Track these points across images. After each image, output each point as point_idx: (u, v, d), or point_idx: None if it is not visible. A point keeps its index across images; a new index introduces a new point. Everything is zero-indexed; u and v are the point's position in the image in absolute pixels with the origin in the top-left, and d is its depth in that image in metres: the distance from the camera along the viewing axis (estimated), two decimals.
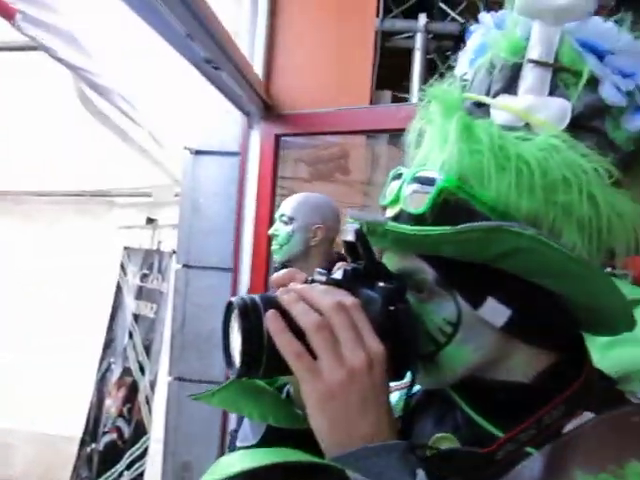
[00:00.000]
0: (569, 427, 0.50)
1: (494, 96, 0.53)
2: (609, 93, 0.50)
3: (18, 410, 3.44)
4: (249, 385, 0.59)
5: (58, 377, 3.31)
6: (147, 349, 2.58)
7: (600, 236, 0.48)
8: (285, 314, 0.46)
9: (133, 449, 2.50)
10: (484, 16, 0.56)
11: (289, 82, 2.25)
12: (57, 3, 1.76)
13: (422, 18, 2.47)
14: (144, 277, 2.77)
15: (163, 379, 2.35)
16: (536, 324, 0.51)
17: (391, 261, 0.54)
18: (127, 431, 2.57)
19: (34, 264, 3.50)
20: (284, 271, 0.59)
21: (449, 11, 2.71)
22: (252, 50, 2.28)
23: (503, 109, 0.51)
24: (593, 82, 0.50)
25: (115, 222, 3.14)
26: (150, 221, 2.91)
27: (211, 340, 2.15)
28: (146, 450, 2.46)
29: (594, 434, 0.48)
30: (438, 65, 2.71)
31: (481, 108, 0.53)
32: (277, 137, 2.19)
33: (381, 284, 0.49)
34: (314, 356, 0.45)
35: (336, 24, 2.22)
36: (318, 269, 0.54)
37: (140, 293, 2.76)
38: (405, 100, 2.45)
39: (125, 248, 2.97)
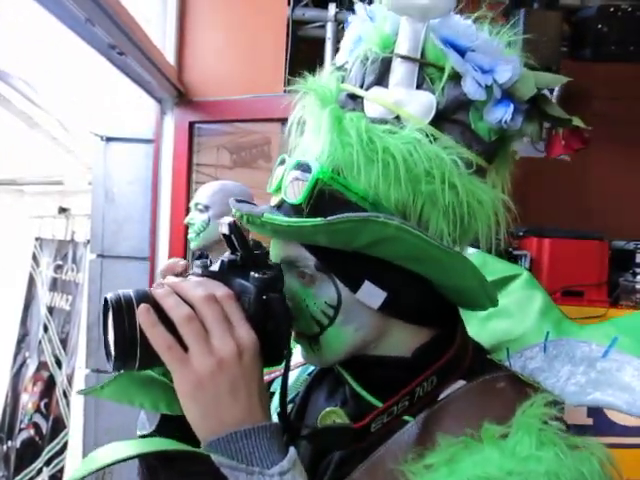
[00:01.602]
0: (443, 395, 0.55)
1: (367, 88, 0.56)
2: (470, 88, 0.53)
3: None
4: (139, 376, 0.60)
5: None
6: (63, 342, 2.51)
7: (463, 222, 0.52)
8: (158, 308, 0.48)
9: (52, 444, 2.45)
10: (359, 8, 0.59)
11: (202, 69, 2.24)
12: None
13: (332, 8, 2.51)
14: (58, 268, 2.67)
15: (81, 372, 2.31)
16: (411, 304, 0.55)
17: (276, 248, 0.57)
18: (45, 427, 2.50)
19: None
20: (167, 261, 0.61)
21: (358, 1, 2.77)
22: (163, 37, 2.24)
23: (375, 102, 0.55)
24: (456, 77, 0.54)
25: (26, 212, 3.00)
26: (63, 210, 2.80)
27: None
28: (65, 445, 2.41)
29: (462, 400, 0.53)
30: None
31: (356, 100, 0.56)
32: (191, 124, 2.18)
33: (255, 274, 0.51)
34: (185, 348, 0.46)
35: (248, 12, 2.22)
36: (197, 261, 0.56)
37: (54, 285, 2.67)
38: None
39: (37, 239, 2.85)
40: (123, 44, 1.70)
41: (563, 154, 0.57)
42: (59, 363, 2.51)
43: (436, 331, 0.58)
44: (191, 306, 0.48)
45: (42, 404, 2.53)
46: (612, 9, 2.95)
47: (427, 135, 0.52)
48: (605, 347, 0.55)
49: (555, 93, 3.32)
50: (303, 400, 0.65)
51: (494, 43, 0.56)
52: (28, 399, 2.62)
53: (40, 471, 2.44)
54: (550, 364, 0.57)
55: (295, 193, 0.53)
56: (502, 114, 0.54)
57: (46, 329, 2.62)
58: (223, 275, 0.52)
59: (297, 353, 0.69)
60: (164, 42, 2.24)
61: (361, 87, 0.56)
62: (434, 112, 0.53)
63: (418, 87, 0.54)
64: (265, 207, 0.57)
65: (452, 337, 0.57)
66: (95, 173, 2.24)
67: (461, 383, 0.55)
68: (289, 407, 0.64)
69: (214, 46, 2.25)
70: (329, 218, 0.49)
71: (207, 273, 0.53)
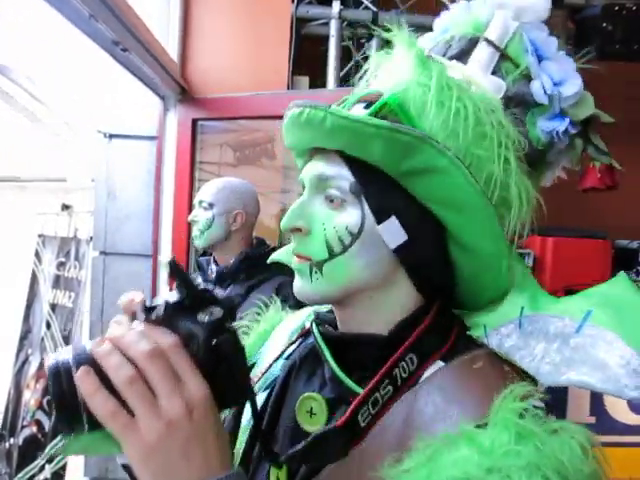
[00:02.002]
0: (425, 376, 0.54)
1: (450, 59, 0.61)
2: (537, 91, 0.58)
3: None
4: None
5: None
6: (66, 339, 2.51)
7: (498, 199, 0.53)
8: (100, 369, 0.44)
9: (55, 441, 2.45)
10: (454, 6, 0.66)
11: (205, 66, 2.23)
12: None
13: (336, 5, 2.51)
14: (60, 265, 2.67)
15: None
16: (424, 258, 0.56)
17: (313, 166, 0.57)
18: (47, 424, 2.50)
19: None
20: (126, 295, 0.57)
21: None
22: (167, 33, 2.24)
23: (454, 69, 0.58)
24: (527, 77, 0.59)
25: (29, 209, 3.00)
26: (65, 207, 2.80)
27: None
28: None
29: (440, 383, 0.53)
30: (353, 52, 2.77)
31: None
32: (194, 121, 2.17)
33: (203, 317, 0.48)
34: (131, 412, 0.43)
35: (252, 9, 2.22)
36: (142, 304, 0.50)
37: (57, 282, 2.67)
38: (322, 86, 2.49)
39: (40, 235, 2.85)
40: (127, 41, 1.70)
41: (594, 187, 0.61)
42: None
43: (419, 302, 0.58)
44: (136, 363, 0.44)
45: (44, 401, 2.53)
46: (617, 8, 2.94)
47: (499, 109, 0.55)
48: (579, 322, 0.54)
49: None
50: (281, 387, 0.64)
51: (569, 61, 0.61)
52: (30, 396, 2.62)
53: (42, 468, 2.44)
54: (525, 341, 0.56)
55: (366, 103, 0.54)
56: (556, 125, 0.58)
57: (49, 326, 2.62)
58: (168, 319, 0.48)
59: (276, 344, 0.71)
60: (167, 39, 2.23)
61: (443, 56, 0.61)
62: (500, 98, 0.57)
63: (493, 73, 0.59)
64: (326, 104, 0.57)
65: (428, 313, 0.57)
66: (98, 170, 2.24)
67: (440, 364, 0.55)
68: (265, 396, 0.65)
69: (217, 43, 2.24)
70: (394, 124, 0.50)
71: (152, 319, 0.48)
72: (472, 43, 0.61)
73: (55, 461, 2.41)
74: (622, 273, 0.56)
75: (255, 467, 0.62)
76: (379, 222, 0.53)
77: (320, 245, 0.55)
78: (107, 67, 1.95)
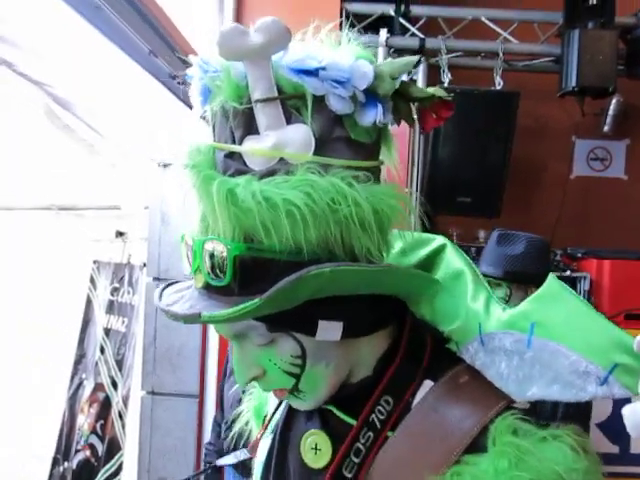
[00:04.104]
0: (417, 399, 0.58)
1: (240, 141, 0.55)
2: (336, 105, 0.54)
3: None
4: None
5: (28, 394, 3.24)
6: (119, 364, 2.56)
7: (383, 229, 0.55)
8: None
9: (107, 466, 2.48)
10: (193, 58, 0.58)
11: None
12: (18, 19, 1.75)
13: (383, 33, 2.54)
14: (115, 291, 2.74)
15: (136, 393, 2.34)
16: (367, 318, 0.59)
17: (222, 328, 0.58)
18: (100, 448, 2.54)
19: (2, 279, 3.43)
20: None
21: (409, 26, 2.79)
22: None
23: (254, 155, 0.54)
24: (320, 99, 0.54)
25: (84, 235, 3.11)
26: (119, 234, 2.88)
27: (182, 353, 2.15)
28: (121, 466, 2.43)
29: (434, 403, 0.57)
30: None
31: (234, 157, 0.55)
32: None
33: None
34: None
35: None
36: None
37: (111, 307, 2.74)
38: None
39: (94, 262, 2.94)
40: (182, 74, 1.76)
41: (437, 125, 0.58)
42: (115, 384, 2.55)
43: (393, 329, 0.62)
44: None
45: (98, 425, 2.57)
46: None
47: (317, 168, 0.53)
48: (527, 335, 0.56)
49: (611, 112, 3.23)
50: (284, 427, 0.66)
51: (342, 54, 0.55)
52: (84, 420, 2.67)
53: None
54: (492, 359, 0.58)
55: (217, 275, 0.53)
56: (374, 116, 0.55)
57: (102, 351, 2.68)
58: None
59: None
60: None
61: (234, 142, 0.55)
62: (314, 141, 0.54)
63: (288, 122, 0.54)
64: (192, 292, 0.57)
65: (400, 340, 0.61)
66: (152, 197, 2.30)
67: (429, 384, 0.59)
68: (271, 439, 0.68)
69: None
70: (263, 296, 0.49)
71: None
72: (248, 114, 0.54)
73: None
74: (552, 277, 0.57)
75: None
76: (313, 335, 0.55)
77: (282, 377, 0.57)
78: (162, 99, 2.02)
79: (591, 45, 2.66)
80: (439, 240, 0.68)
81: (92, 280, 2.92)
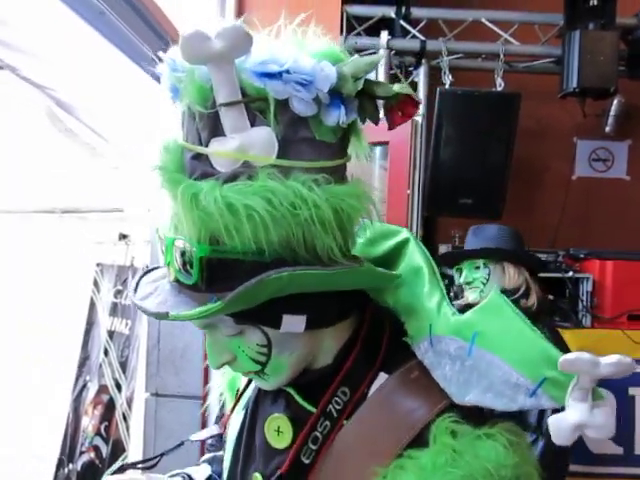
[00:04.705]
0: (372, 391, 0.62)
1: (206, 143, 0.56)
2: (299, 107, 0.55)
3: None
4: None
5: (32, 396, 3.26)
6: (123, 366, 2.57)
7: (344, 229, 0.57)
8: None
9: (112, 468, 2.48)
10: (162, 55, 0.59)
11: None
12: (22, 24, 1.76)
13: (384, 35, 2.56)
14: (118, 293, 2.75)
15: (140, 395, 2.35)
16: (330, 311, 0.62)
17: (192, 321, 0.61)
18: (105, 450, 2.55)
19: (6, 282, 3.45)
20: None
21: (410, 29, 2.80)
22: None
23: (219, 156, 0.55)
24: (283, 101, 0.55)
25: (87, 238, 3.12)
26: (123, 237, 2.90)
27: (186, 355, 2.16)
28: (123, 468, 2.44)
29: (387, 395, 0.61)
30: (401, 80, 2.80)
31: (201, 159, 0.57)
32: None
33: None
34: None
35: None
36: None
37: (114, 309, 2.75)
38: None
39: (98, 264, 2.95)
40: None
41: (403, 122, 0.59)
42: (119, 386, 2.56)
43: (355, 319, 0.65)
44: None
45: (102, 427, 2.58)
46: None
47: (278, 172, 0.54)
48: (468, 344, 0.59)
49: (612, 113, 3.23)
50: (256, 405, 0.71)
51: (304, 55, 0.56)
52: (89, 422, 2.68)
53: None
54: (438, 361, 0.61)
55: (185, 273, 0.56)
56: (337, 117, 0.56)
57: (106, 353, 2.69)
58: None
59: None
60: None
61: (200, 143, 0.56)
62: (277, 144, 0.55)
63: (253, 125, 0.55)
64: (165, 286, 0.61)
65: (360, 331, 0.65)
66: (155, 200, 2.31)
67: (383, 377, 0.63)
68: (242, 416, 0.73)
69: None
70: (226, 298, 0.52)
71: None
72: (213, 116, 0.55)
73: None
74: (495, 291, 0.60)
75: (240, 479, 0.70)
76: (277, 327, 0.59)
77: (249, 363, 0.61)
78: (165, 103, 2.03)
79: (592, 46, 2.67)
80: (404, 234, 0.71)
81: (95, 283, 2.93)
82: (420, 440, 0.57)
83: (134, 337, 2.55)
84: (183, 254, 0.56)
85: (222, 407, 0.87)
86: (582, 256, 2.78)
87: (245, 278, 0.53)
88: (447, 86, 2.80)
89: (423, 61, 2.75)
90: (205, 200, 0.53)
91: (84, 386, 2.79)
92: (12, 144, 2.81)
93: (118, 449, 2.48)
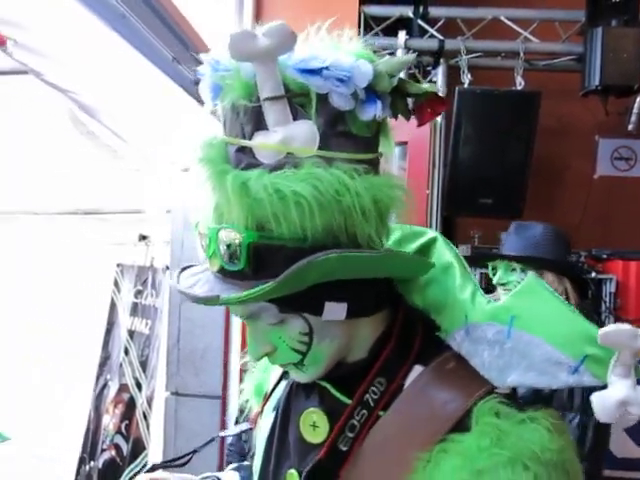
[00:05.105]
0: (407, 383, 0.63)
1: (250, 136, 0.58)
2: (339, 102, 0.58)
3: (14, 429, 3.44)
4: None
5: (54, 395, 3.32)
6: (143, 365, 2.60)
7: (382, 218, 0.60)
8: None
9: (132, 466, 2.51)
10: (204, 56, 0.62)
11: None
12: (45, 29, 1.80)
13: (402, 35, 2.55)
14: (138, 293, 2.79)
15: (160, 394, 2.37)
16: (370, 299, 0.63)
17: (234, 309, 0.63)
18: (125, 448, 2.58)
19: (29, 282, 3.51)
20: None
21: (428, 28, 2.79)
22: None
23: (263, 149, 0.58)
24: (323, 96, 0.58)
25: (108, 239, 3.17)
26: (143, 238, 2.93)
27: (206, 355, 2.17)
28: (145, 466, 2.47)
29: (423, 386, 0.62)
30: (419, 79, 2.79)
31: (245, 151, 0.59)
32: None
33: None
34: None
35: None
36: None
37: (135, 309, 2.78)
38: None
39: (118, 265, 2.99)
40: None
41: (432, 119, 0.64)
42: (139, 385, 2.59)
43: (388, 314, 0.66)
44: None
45: (123, 426, 2.62)
46: None
47: (322, 162, 0.57)
48: (507, 327, 0.60)
49: (635, 110, 3.17)
50: (288, 401, 0.71)
51: (343, 54, 0.59)
52: (109, 420, 2.72)
53: None
54: (475, 348, 0.62)
55: (232, 260, 0.57)
56: (373, 112, 0.59)
57: (127, 352, 2.73)
58: None
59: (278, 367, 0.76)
60: None
61: (244, 137, 0.59)
62: (318, 136, 0.58)
63: (295, 119, 0.58)
64: (208, 275, 0.62)
65: (393, 327, 0.66)
66: (174, 201, 2.33)
67: (419, 369, 0.64)
68: (274, 416, 0.73)
69: None
70: (277, 279, 0.54)
71: None
72: (257, 111, 0.58)
73: None
74: (531, 275, 0.62)
75: (272, 479, 0.71)
76: (319, 315, 0.60)
77: (289, 353, 0.63)
78: (185, 104, 2.05)
79: (614, 43, 2.62)
80: (430, 234, 0.73)
81: (116, 283, 2.97)
82: (461, 427, 0.58)
83: (154, 337, 2.57)
84: (227, 244, 0.57)
85: (247, 414, 0.86)
86: (605, 256, 2.74)
87: (290, 264, 0.54)
88: (466, 85, 2.78)
89: (441, 60, 2.74)
90: (254, 187, 0.55)
91: (105, 385, 2.83)
92: (36, 147, 2.86)
93: (138, 447, 2.51)
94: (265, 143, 0.57)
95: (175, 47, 1.53)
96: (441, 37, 2.76)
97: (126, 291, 2.88)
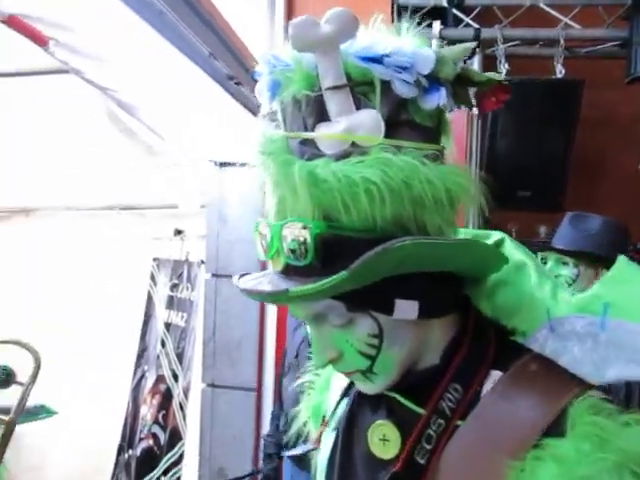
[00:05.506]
0: (485, 390, 0.58)
1: (312, 128, 0.57)
2: (402, 89, 0.56)
3: (55, 417, 3.56)
4: None
5: (94, 385, 3.41)
6: (179, 357, 2.65)
7: (453, 207, 0.57)
8: None
9: (169, 455, 2.57)
10: (263, 55, 0.60)
11: None
12: (86, 28, 1.83)
13: (436, 25, 2.50)
14: (174, 287, 2.84)
15: (196, 386, 2.41)
16: (442, 298, 0.60)
17: (299, 308, 0.59)
18: (163, 437, 2.64)
19: (68, 277, 3.62)
20: None
21: (463, 17, 2.73)
22: None
23: (327, 139, 0.56)
24: (386, 84, 0.56)
25: (144, 234, 3.23)
26: (178, 232, 2.98)
27: (241, 347, 2.19)
28: (182, 456, 2.52)
29: (503, 393, 0.57)
30: None
31: (308, 144, 0.57)
32: None
33: None
34: None
35: None
36: None
37: (171, 302, 2.83)
38: None
39: (154, 259, 3.05)
40: (240, 75, 1.80)
41: (496, 108, 0.60)
42: (175, 377, 2.64)
43: (459, 318, 0.62)
44: None
45: (160, 416, 2.67)
46: None
47: (390, 149, 0.55)
48: (600, 318, 0.56)
49: None
50: (347, 422, 0.67)
51: (405, 41, 0.58)
52: (147, 411, 2.78)
53: None
54: (563, 345, 0.58)
55: (299, 255, 0.55)
56: (437, 99, 0.57)
57: (163, 344, 2.78)
58: None
59: (338, 385, 0.75)
60: None
61: (306, 130, 0.57)
62: (383, 124, 0.55)
63: (358, 108, 0.56)
64: (272, 276, 0.59)
65: (466, 330, 0.62)
66: (210, 197, 2.36)
67: (496, 374, 0.59)
68: (335, 435, 0.69)
69: None
70: (350, 268, 0.51)
71: None
72: (319, 101, 0.56)
73: (170, 473, 2.53)
74: (622, 258, 0.58)
75: None
76: (390, 314, 0.56)
77: (357, 358, 0.59)
78: (220, 100, 2.06)
79: None
80: (497, 235, 0.70)
81: (152, 277, 3.03)
82: (556, 429, 0.52)
83: (190, 329, 2.62)
84: (295, 237, 0.55)
85: (304, 438, 0.83)
86: None
87: (359, 255, 0.51)
88: (503, 75, 2.71)
89: (477, 50, 2.67)
90: (322, 174, 0.53)
91: (142, 376, 2.89)
92: (75, 144, 2.94)
93: (175, 437, 2.56)
94: (329, 133, 0.56)
95: (212, 43, 1.54)
96: (477, 26, 2.70)
97: (162, 285, 2.94)
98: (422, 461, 0.57)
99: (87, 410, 3.42)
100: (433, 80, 0.57)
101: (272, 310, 2.18)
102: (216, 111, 2.28)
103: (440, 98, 0.57)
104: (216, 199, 2.32)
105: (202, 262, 2.60)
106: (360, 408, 0.66)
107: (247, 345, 2.16)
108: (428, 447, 0.57)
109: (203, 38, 1.48)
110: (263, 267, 2.27)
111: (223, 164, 2.32)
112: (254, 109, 2.12)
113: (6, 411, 1.15)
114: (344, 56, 0.56)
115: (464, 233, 0.67)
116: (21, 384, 1.17)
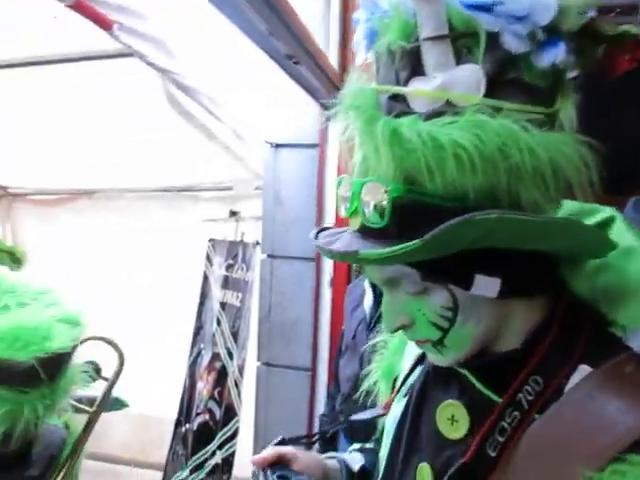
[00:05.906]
0: (570, 385, 0.52)
1: (405, 83, 0.52)
2: (512, 43, 0.49)
3: (116, 391, 3.73)
4: None
5: (153, 361, 3.55)
6: (234, 336, 2.71)
7: (556, 179, 0.50)
8: None
9: (224, 430, 2.64)
10: (364, 0, 0.56)
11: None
12: (148, 11, 1.87)
13: None
14: (229, 267, 2.89)
15: (251, 364, 2.46)
16: (526, 277, 0.54)
17: (373, 271, 0.56)
18: (218, 413, 2.71)
19: (128, 257, 3.76)
20: (269, 454, 0.70)
21: None
22: (327, 43, 2.31)
23: (419, 95, 0.51)
24: (494, 37, 0.49)
25: (200, 215, 3.31)
26: (233, 214, 3.03)
27: (295, 327, 2.22)
28: (236, 431, 2.59)
29: (590, 392, 0.51)
30: None
31: (398, 99, 0.52)
32: None
33: None
34: None
35: None
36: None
37: (226, 282, 2.89)
38: None
39: (210, 240, 3.11)
40: (298, 54, 1.79)
41: (630, 67, 0.49)
42: (230, 355, 2.70)
43: (548, 301, 0.57)
44: None
45: (215, 392, 2.75)
46: None
47: (487, 110, 0.48)
48: None
49: None
50: (423, 392, 0.65)
51: None
52: (203, 387, 2.87)
53: (214, 453, 2.65)
54: None
55: (375, 215, 0.51)
56: (553, 56, 0.50)
57: (219, 323, 2.85)
58: None
59: (413, 351, 0.72)
60: (327, 48, 2.31)
61: (398, 84, 0.52)
62: (484, 82, 0.49)
63: (458, 62, 0.50)
64: (347, 235, 0.56)
65: (554, 317, 0.56)
66: (265, 178, 2.38)
67: (585, 369, 0.53)
68: (405, 401, 0.67)
69: None
70: (425, 237, 0.46)
71: None
72: (416, 53, 0.50)
73: (225, 448, 2.60)
74: None
75: (401, 470, 0.64)
76: (468, 288, 0.52)
77: (429, 328, 0.56)
78: (273, 79, 2.06)
79: None
80: (608, 211, 0.61)
81: (208, 257, 3.10)
82: None
83: (245, 309, 2.67)
84: (372, 197, 0.51)
85: (374, 395, 0.81)
86: None
87: (440, 225, 0.46)
88: None
89: None
90: (407, 134, 0.49)
91: (199, 353, 2.98)
92: (135, 127, 3.03)
93: (230, 413, 2.64)
94: (422, 89, 0.50)
95: (271, 21, 1.53)
96: None
97: (217, 265, 3.00)
98: (493, 454, 0.53)
99: (146, 385, 3.56)
100: (552, 33, 0.50)
101: (327, 292, 2.19)
102: (273, 91, 2.28)
103: (557, 54, 0.50)
104: (271, 180, 2.34)
105: (257, 243, 2.63)
106: (434, 382, 0.64)
107: (301, 326, 2.18)
108: (500, 439, 0.53)
109: (262, 16, 1.47)
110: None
111: (279, 145, 2.32)
112: (312, 89, 2.11)
113: (91, 401, 1.21)
114: (448, 2, 0.49)
115: (568, 206, 0.60)
116: (105, 379, 1.23)
